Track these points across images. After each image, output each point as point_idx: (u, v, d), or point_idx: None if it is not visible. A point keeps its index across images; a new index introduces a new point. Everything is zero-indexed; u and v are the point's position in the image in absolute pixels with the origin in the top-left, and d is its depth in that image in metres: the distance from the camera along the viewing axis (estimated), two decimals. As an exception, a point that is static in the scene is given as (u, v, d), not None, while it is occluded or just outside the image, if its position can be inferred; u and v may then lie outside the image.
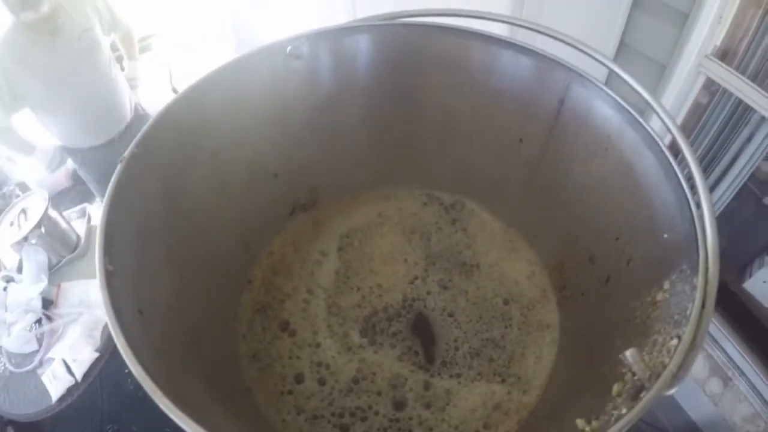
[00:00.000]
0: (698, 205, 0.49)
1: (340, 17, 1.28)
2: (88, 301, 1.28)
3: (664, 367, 0.40)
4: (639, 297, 0.54)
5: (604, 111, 0.58)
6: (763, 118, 1.02)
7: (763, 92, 0.96)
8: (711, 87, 1.12)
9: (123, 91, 1.44)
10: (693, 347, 0.41)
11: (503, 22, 0.60)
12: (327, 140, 0.76)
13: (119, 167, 0.51)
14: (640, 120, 0.55)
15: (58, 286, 1.29)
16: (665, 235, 0.53)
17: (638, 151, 0.56)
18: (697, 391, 1.25)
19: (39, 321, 1.21)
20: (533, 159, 0.70)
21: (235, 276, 0.77)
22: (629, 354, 0.45)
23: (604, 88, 0.57)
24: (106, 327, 1.26)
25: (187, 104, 0.58)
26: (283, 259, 0.85)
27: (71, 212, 1.50)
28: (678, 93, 1.12)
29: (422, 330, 0.73)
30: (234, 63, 0.59)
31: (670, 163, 0.51)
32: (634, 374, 0.43)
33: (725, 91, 1.07)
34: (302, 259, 0.85)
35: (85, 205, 1.52)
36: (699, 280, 0.44)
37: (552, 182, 0.71)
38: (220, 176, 0.67)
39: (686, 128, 1.20)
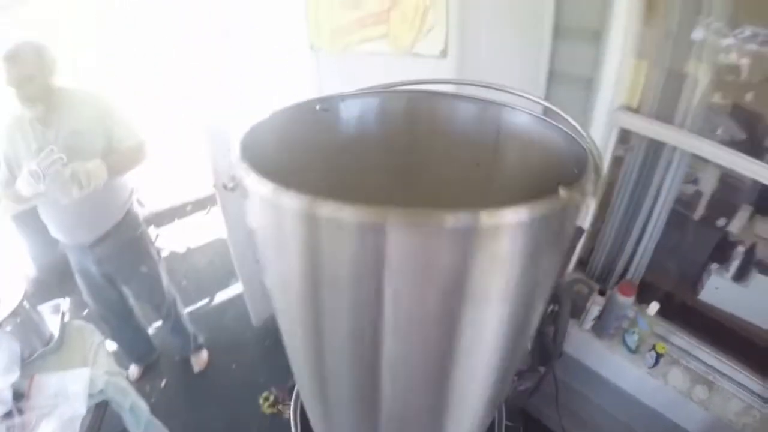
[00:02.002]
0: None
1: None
2: (65, 392, 1.36)
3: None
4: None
5: (529, 131, 0.91)
6: (674, 148, 1.45)
7: (670, 127, 1.40)
8: (624, 143, 1.57)
9: (108, 200, 1.70)
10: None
11: (463, 83, 0.95)
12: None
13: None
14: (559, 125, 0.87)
15: (32, 378, 1.38)
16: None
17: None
18: (684, 401, 1.48)
19: (9, 414, 1.28)
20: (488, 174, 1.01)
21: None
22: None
23: (528, 111, 0.90)
24: (84, 420, 1.36)
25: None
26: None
27: (45, 306, 1.64)
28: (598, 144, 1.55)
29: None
30: (279, 112, 0.84)
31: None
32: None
33: (637, 138, 1.51)
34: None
35: (59, 300, 1.66)
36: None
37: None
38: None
39: (610, 176, 1.63)
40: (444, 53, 1.20)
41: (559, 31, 1.40)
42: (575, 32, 1.40)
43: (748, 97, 1.58)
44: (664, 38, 1.37)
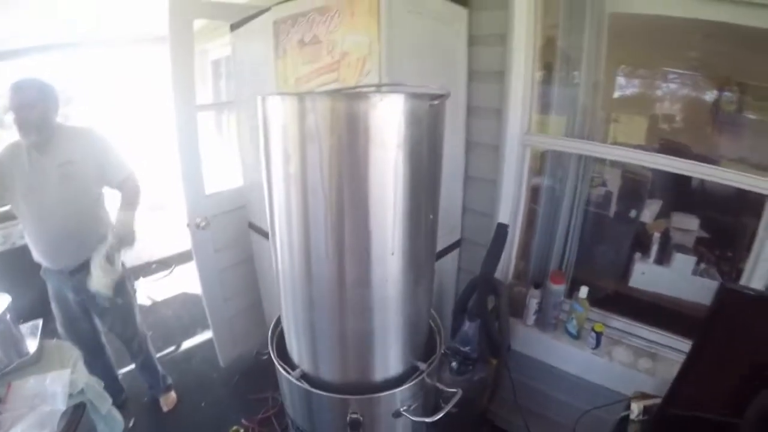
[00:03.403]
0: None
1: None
2: (44, 393, 1.54)
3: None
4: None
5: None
6: (579, 156, 1.99)
7: (572, 140, 1.95)
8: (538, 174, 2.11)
9: (92, 228, 2.05)
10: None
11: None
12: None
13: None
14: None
15: (9, 384, 1.57)
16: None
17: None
18: (632, 373, 1.84)
19: (-15, 417, 1.44)
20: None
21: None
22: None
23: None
24: (63, 417, 1.53)
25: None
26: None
27: (24, 326, 1.86)
28: (515, 165, 2.02)
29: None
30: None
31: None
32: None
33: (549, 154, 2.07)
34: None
35: (39, 321, 1.90)
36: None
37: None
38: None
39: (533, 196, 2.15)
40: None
41: (471, 73, 2.00)
42: (484, 74, 2.00)
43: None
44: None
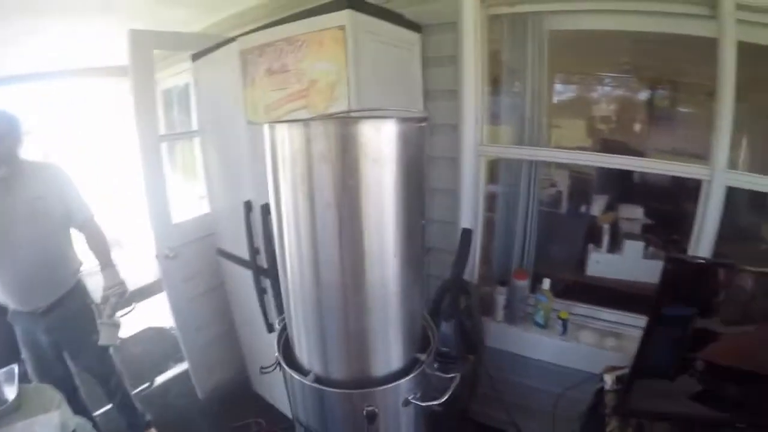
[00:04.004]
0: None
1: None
2: None
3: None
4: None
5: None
6: (530, 161, 2.24)
7: (521, 147, 2.20)
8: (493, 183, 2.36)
9: (61, 267, 2.09)
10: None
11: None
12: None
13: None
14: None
15: None
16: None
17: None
18: (600, 353, 2.08)
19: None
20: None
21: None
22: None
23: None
24: None
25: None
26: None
27: None
28: (472, 174, 2.26)
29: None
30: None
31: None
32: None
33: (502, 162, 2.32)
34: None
35: (14, 366, 1.86)
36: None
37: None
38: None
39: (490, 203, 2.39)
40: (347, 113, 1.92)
41: (427, 93, 2.23)
42: (439, 93, 2.23)
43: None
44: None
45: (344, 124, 1.00)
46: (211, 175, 2.49)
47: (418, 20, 2.13)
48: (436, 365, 1.35)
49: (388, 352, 1.24)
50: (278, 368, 1.41)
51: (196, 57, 2.30)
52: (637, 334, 2.14)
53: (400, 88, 2.12)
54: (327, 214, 1.05)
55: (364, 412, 1.17)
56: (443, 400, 1.22)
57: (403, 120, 1.05)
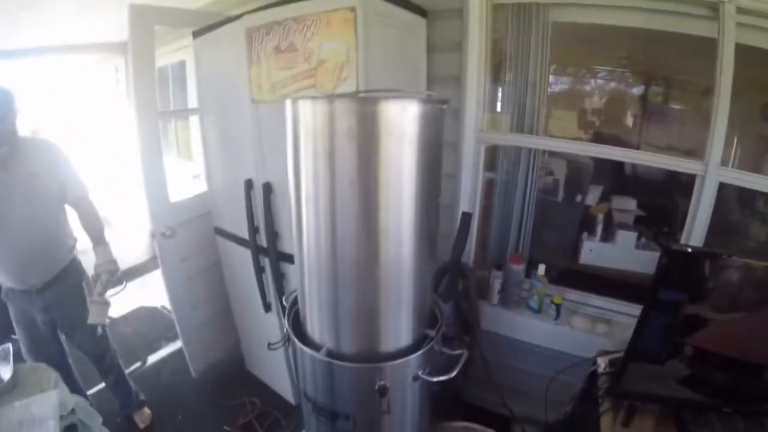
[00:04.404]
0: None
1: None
2: (31, 419, 1.52)
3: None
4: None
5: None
6: (530, 150, 2.27)
7: (521, 135, 2.23)
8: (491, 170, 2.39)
9: (57, 243, 2.06)
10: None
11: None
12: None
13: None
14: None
15: None
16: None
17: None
18: (591, 338, 2.14)
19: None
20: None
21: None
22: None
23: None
24: None
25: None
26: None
27: None
28: (472, 160, 2.29)
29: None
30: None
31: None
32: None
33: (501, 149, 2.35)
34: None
35: (8, 345, 1.83)
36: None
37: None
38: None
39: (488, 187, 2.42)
40: (356, 94, 1.92)
41: (431, 78, 2.24)
42: (441, 78, 2.24)
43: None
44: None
45: (370, 103, 1.01)
46: (210, 153, 2.46)
47: (424, 5, 2.13)
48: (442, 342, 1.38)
49: (399, 327, 1.27)
50: (286, 344, 1.43)
51: (197, 34, 2.26)
52: (627, 321, 2.24)
53: (405, 71, 2.12)
54: (348, 190, 1.06)
55: (376, 387, 1.19)
56: (453, 375, 1.25)
57: (426, 101, 1.06)
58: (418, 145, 1.07)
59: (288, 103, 1.11)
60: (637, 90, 3.17)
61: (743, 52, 1.73)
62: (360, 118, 1.01)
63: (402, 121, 1.03)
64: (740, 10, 1.71)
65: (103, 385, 2.52)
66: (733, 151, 2.20)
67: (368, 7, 1.68)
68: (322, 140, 1.05)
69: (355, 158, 1.04)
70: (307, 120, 1.07)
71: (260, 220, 2.18)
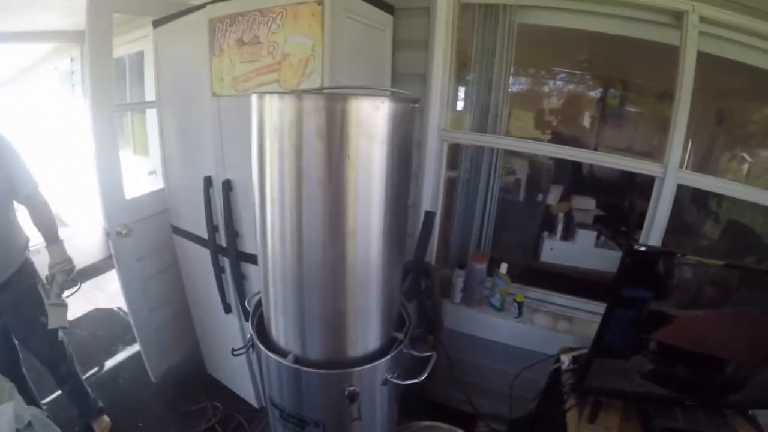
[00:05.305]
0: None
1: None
2: None
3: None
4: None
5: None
6: (492, 150, 2.26)
7: (483, 135, 2.21)
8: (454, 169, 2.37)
9: (8, 246, 1.90)
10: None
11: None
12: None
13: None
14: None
15: None
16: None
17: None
18: (553, 335, 2.15)
19: None
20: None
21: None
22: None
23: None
24: None
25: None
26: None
27: None
28: (435, 158, 2.27)
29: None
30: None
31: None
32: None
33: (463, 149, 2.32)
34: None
35: None
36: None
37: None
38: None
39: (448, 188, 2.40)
40: (321, 90, 1.86)
41: (395, 75, 2.20)
42: (406, 76, 2.20)
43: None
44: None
45: (341, 99, 0.95)
46: (168, 149, 2.34)
47: (391, 2, 2.09)
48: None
49: (368, 331, 1.22)
50: (250, 350, 1.36)
51: (158, 23, 2.14)
52: (588, 318, 2.27)
53: (370, 68, 2.07)
54: (315, 191, 1.00)
55: (346, 392, 1.14)
56: (422, 378, 1.21)
57: (399, 99, 1.01)
58: (389, 145, 1.02)
59: (254, 98, 1.04)
60: (595, 93, 3.23)
61: (701, 59, 1.77)
62: (330, 116, 0.95)
63: (374, 119, 0.98)
64: (703, 20, 1.75)
65: (58, 393, 2.36)
66: (688, 154, 2.26)
67: (336, 1, 1.61)
68: (289, 138, 0.98)
69: (323, 157, 0.98)
70: (273, 116, 1.00)
71: (220, 219, 2.08)
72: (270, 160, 1.04)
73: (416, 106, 1.11)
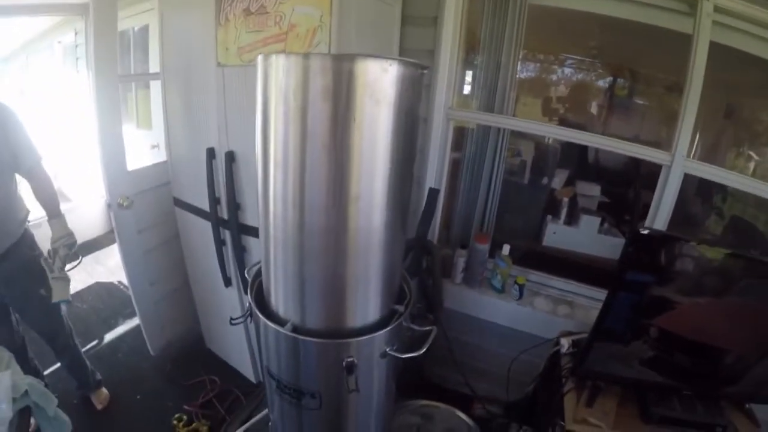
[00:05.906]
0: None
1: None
2: None
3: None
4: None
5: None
6: (498, 129, 2.23)
7: (490, 114, 2.18)
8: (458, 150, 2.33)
9: (8, 217, 1.87)
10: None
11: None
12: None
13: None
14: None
15: None
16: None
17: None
18: (553, 319, 2.13)
19: None
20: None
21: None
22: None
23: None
24: (10, 424, 1.45)
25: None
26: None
27: None
28: (440, 136, 2.24)
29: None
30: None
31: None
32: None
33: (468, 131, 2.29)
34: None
35: None
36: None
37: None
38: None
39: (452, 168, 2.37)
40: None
41: (403, 51, 2.15)
42: (414, 52, 2.15)
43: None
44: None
45: (348, 60, 0.91)
46: (172, 120, 2.30)
47: (402, -25, 2.04)
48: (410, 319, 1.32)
49: (368, 301, 1.19)
50: (248, 319, 1.34)
51: (163, -7, 2.09)
52: (588, 303, 2.25)
53: (378, 42, 2.03)
54: (320, 154, 0.97)
55: (344, 363, 1.12)
56: (422, 351, 1.19)
57: (408, 63, 0.97)
58: (396, 109, 0.98)
59: (260, 59, 1.00)
60: (604, 82, 3.18)
61: (713, 50, 1.73)
62: (337, 77, 0.91)
63: (381, 81, 0.93)
64: (717, 9, 1.71)
65: (58, 365, 2.35)
66: (695, 146, 2.22)
67: (346, -29, 1.58)
68: (294, 99, 0.95)
69: (329, 119, 0.94)
70: (279, 77, 0.96)
71: (222, 191, 2.06)
72: (274, 122, 1.00)
73: (425, 72, 1.07)
